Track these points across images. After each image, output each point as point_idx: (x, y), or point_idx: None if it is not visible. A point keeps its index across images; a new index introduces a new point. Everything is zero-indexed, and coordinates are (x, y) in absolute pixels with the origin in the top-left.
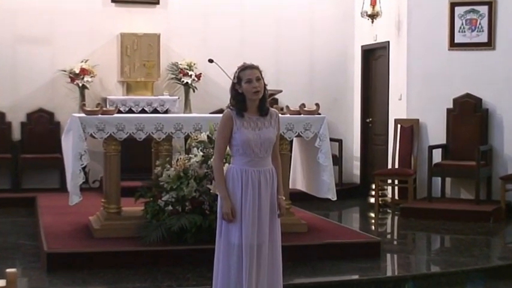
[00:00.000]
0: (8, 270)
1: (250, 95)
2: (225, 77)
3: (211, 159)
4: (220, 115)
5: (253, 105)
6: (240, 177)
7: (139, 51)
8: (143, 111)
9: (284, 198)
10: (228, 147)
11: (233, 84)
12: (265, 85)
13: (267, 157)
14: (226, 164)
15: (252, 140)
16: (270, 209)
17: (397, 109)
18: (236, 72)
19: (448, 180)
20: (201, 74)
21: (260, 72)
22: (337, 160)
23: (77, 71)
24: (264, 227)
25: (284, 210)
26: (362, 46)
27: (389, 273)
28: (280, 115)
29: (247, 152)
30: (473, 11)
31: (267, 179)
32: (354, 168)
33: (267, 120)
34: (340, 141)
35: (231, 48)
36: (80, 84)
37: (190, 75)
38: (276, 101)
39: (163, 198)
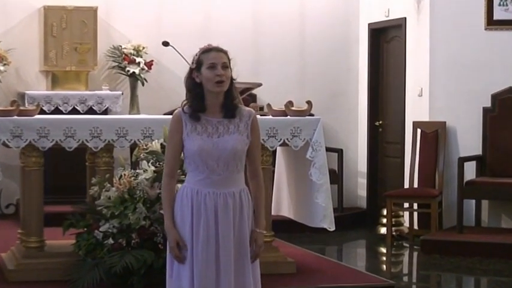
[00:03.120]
0: None
1: (211, 85)
2: (184, 65)
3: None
4: None
5: (214, 101)
6: (190, 200)
7: (69, 31)
8: (74, 111)
9: (264, 232)
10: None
11: (190, 71)
12: (232, 79)
13: (230, 174)
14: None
15: (205, 149)
16: (238, 246)
17: (417, 109)
18: (196, 54)
19: (484, 203)
20: (152, 61)
21: (229, 59)
22: (337, 177)
23: None
24: (227, 270)
25: (260, 250)
26: (369, 24)
27: None
28: (259, 116)
29: (200, 167)
30: None
31: (230, 205)
32: (359, 187)
33: (233, 123)
34: (340, 152)
35: (193, 27)
36: None
37: (139, 63)
38: (253, 98)
39: (101, 229)
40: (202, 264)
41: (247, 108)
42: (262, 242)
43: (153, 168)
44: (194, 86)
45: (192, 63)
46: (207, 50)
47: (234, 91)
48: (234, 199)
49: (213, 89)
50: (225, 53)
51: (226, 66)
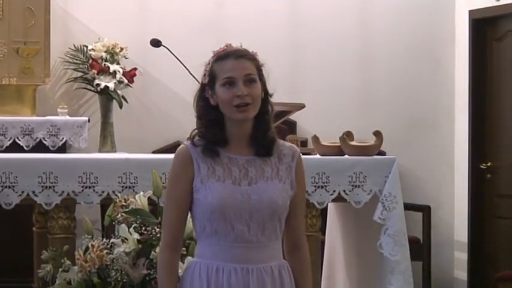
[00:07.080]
0: None
1: (228, 110)
2: (184, 76)
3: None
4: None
5: (239, 132)
6: (205, 282)
7: (6, 24)
8: (15, 146)
9: None
10: (191, 222)
11: (201, 89)
12: (267, 95)
13: (266, 242)
14: (188, 258)
15: (230, 203)
16: None
17: None
18: (209, 62)
19: None
20: (135, 70)
21: (258, 66)
22: (421, 250)
23: None
24: None
25: None
26: (471, 12)
27: None
28: (303, 156)
29: (221, 231)
30: None
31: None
32: (456, 265)
33: (269, 165)
34: (427, 210)
35: (197, 18)
36: None
37: (114, 73)
38: (292, 127)
39: None
40: None
41: (289, 144)
42: None
43: (136, 236)
44: (208, 110)
45: (204, 75)
46: (222, 57)
47: (268, 116)
48: (273, 278)
49: (233, 116)
50: (251, 57)
51: (252, 79)
